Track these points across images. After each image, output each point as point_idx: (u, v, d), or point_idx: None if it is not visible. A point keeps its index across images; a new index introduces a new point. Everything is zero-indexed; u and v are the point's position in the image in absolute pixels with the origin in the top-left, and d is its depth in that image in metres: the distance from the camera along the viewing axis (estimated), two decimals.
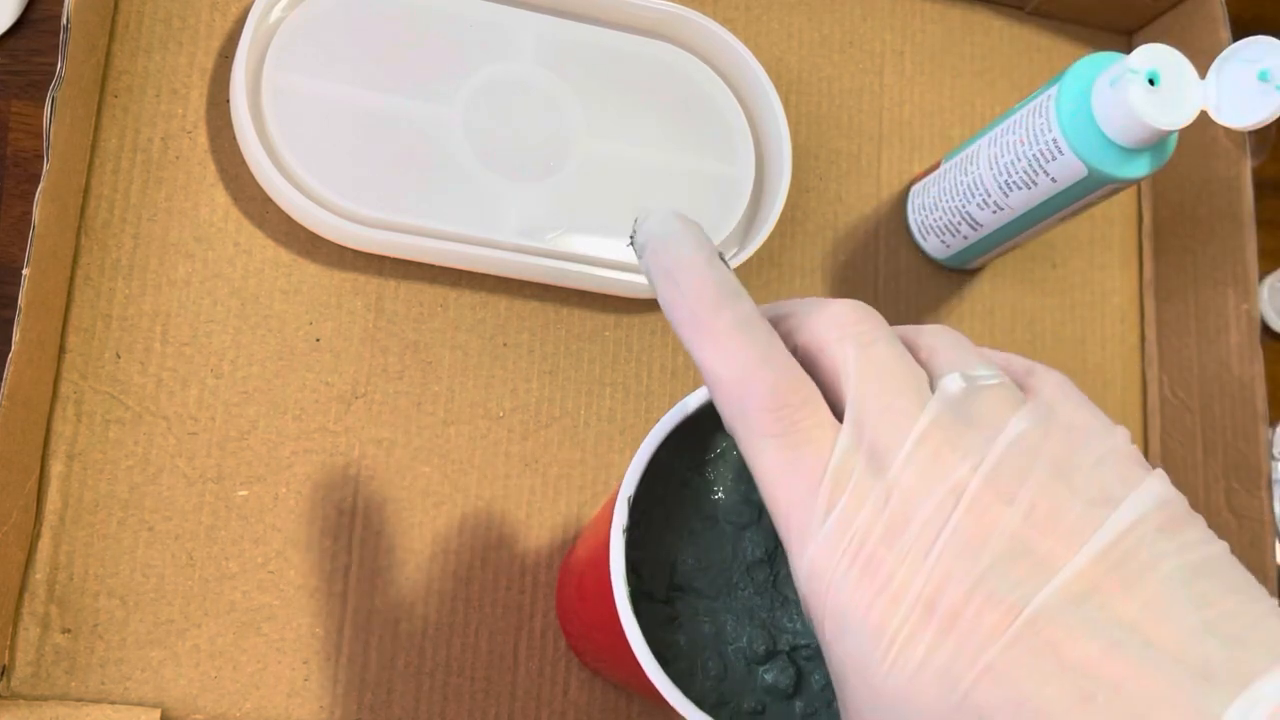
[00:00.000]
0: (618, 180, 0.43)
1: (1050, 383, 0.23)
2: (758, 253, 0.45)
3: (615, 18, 0.45)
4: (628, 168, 0.44)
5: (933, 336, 0.23)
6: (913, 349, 0.23)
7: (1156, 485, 0.21)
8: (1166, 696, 0.19)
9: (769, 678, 0.31)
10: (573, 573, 0.38)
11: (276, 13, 0.41)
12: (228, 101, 0.42)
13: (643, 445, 0.30)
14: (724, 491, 0.33)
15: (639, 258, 0.25)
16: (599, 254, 0.42)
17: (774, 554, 0.32)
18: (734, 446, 0.31)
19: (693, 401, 0.29)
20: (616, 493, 0.33)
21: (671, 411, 0.30)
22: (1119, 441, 0.22)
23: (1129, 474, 0.21)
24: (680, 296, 0.23)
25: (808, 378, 0.22)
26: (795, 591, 0.30)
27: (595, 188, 0.43)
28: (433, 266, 0.42)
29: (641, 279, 0.42)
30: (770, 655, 0.31)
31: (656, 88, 0.45)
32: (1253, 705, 0.18)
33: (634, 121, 0.44)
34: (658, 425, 0.30)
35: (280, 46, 0.40)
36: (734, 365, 0.22)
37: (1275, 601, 0.20)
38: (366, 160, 0.41)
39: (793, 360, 0.22)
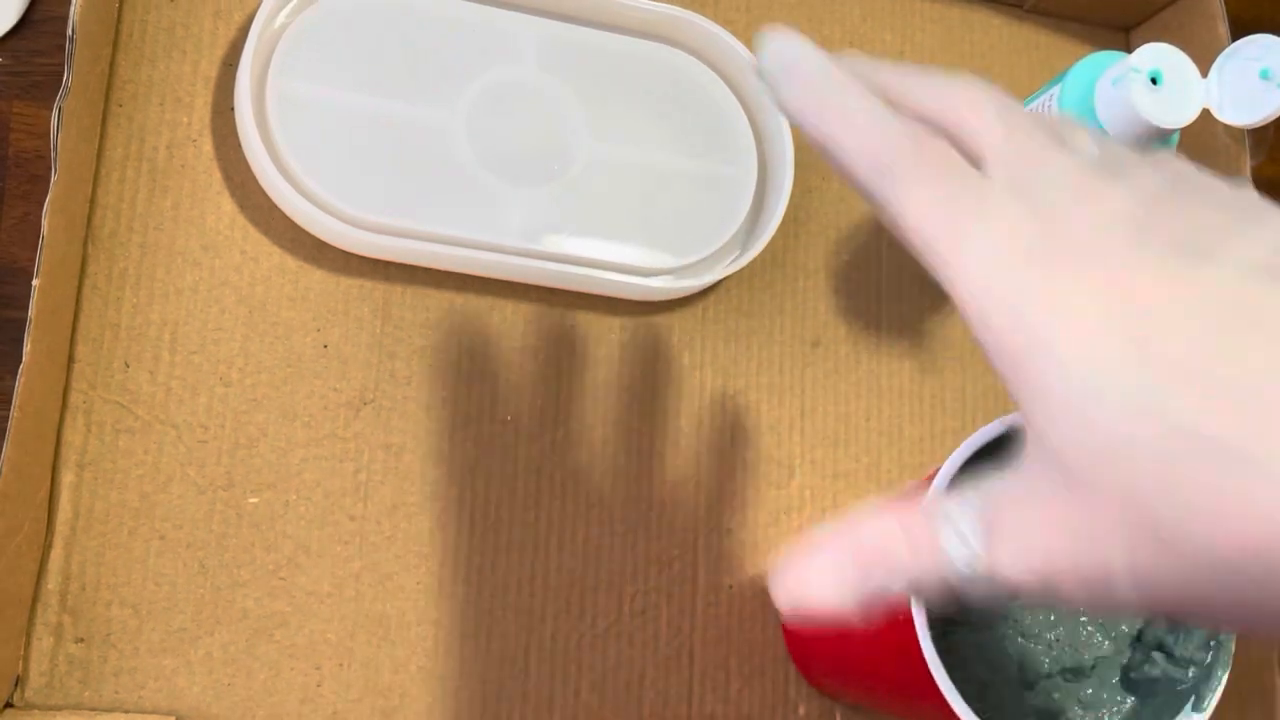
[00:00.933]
0: (621, 183, 0.44)
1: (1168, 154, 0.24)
2: (760, 254, 0.45)
3: (617, 20, 0.46)
4: (631, 170, 0.44)
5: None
6: None
7: (1275, 212, 0.22)
8: None
9: (1039, 702, 0.33)
10: None
11: (280, 19, 0.41)
12: (232, 109, 0.42)
13: (929, 494, 0.31)
14: None
15: (762, 79, 0.26)
16: (604, 257, 0.42)
17: None
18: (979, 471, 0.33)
19: (976, 439, 0.32)
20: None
21: (954, 456, 0.32)
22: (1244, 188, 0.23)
23: (1262, 202, 0.22)
24: (803, 89, 0.25)
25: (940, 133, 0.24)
26: (1056, 617, 0.33)
27: (599, 191, 0.43)
28: (439, 271, 0.43)
29: (649, 282, 0.42)
30: (1039, 680, 0.33)
31: (659, 90, 0.45)
32: None
33: (636, 124, 0.44)
34: (942, 470, 0.32)
35: (284, 53, 0.40)
36: (871, 130, 0.24)
37: None
38: (371, 166, 0.41)
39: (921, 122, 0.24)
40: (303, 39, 0.41)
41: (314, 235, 0.41)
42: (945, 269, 0.23)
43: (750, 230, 0.45)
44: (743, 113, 0.46)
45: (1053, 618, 0.34)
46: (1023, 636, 0.34)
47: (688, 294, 0.44)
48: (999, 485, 0.23)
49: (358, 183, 0.40)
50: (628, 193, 0.44)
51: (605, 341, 0.44)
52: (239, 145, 0.41)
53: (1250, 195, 0.22)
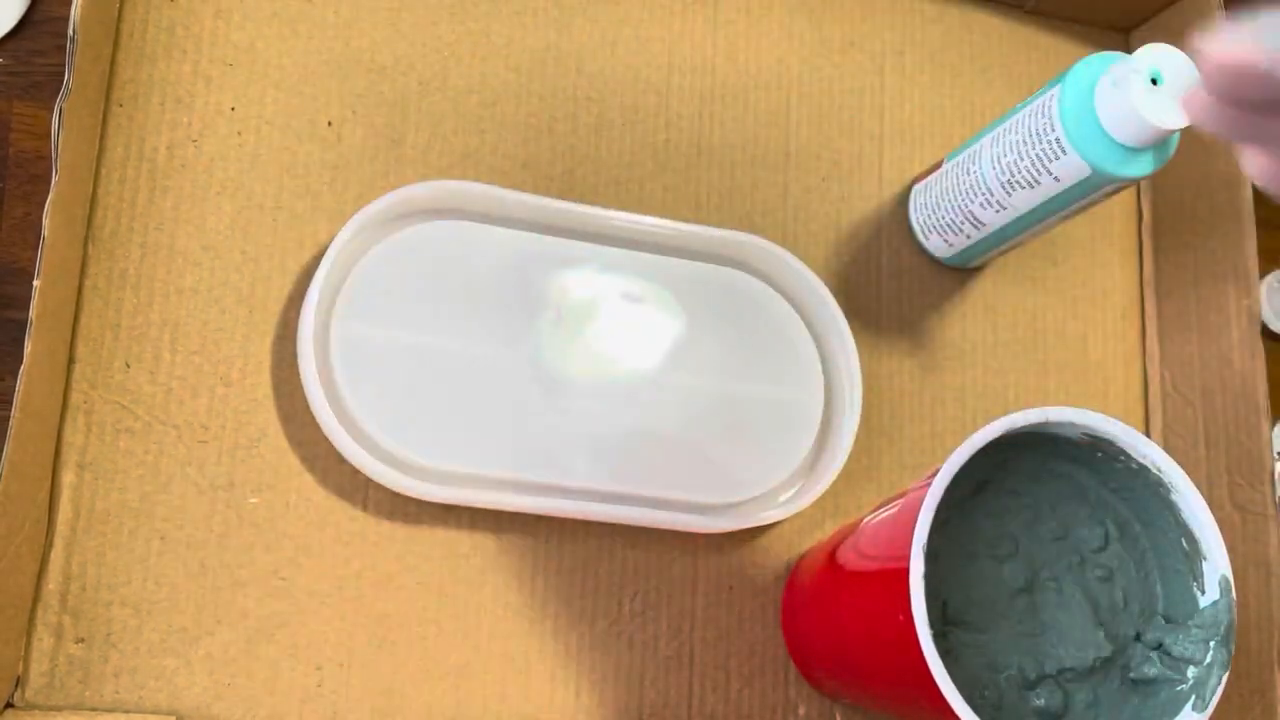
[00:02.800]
0: (688, 412, 0.42)
1: None
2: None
3: (680, 245, 0.44)
4: (698, 398, 0.43)
5: None
6: None
7: None
8: None
9: (1040, 701, 0.33)
10: (828, 601, 0.39)
11: (338, 265, 0.40)
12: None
13: (929, 495, 0.32)
14: (983, 527, 0.35)
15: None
16: (672, 495, 0.41)
17: (1033, 583, 0.34)
18: (989, 483, 0.35)
19: (977, 440, 0.32)
20: (858, 523, 0.35)
21: (954, 456, 0.32)
22: None
23: None
24: None
25: None
26: (1056, 617, 0.33)
27: (667, 421, 0.42)
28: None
29: (711, 521, 0.42)
30: (1039, 680, 0.33)
31: (725, 314, 0.44)
32: None
33: (703, 350, 0.43)
34: (943, 470, 0.32)
35: (347, 296, 0.40)
36: None
37: None
38: (434, 410, 0.40)
39: None
40: (363, 280, 0.40)
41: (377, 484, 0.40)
42: None
43: (815, 458, 0.44)
44: (809, 337, 0.45)
45: (1055, 617, 0.34)
46: (1023, 636, 0.34)
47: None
48: None
49: (420, 430, 0.39)
50: (694, 423, 0.42)
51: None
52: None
53: None
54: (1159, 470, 0.34)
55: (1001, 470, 0.36)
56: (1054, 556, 0.35)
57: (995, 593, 0.35)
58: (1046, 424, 0.33)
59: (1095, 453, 0.35)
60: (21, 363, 0.34)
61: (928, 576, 0.31)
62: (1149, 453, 0.34)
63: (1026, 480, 0.36)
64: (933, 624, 0.31)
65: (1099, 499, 0.36)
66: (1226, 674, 0.32)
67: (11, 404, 0.34)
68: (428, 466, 0.39)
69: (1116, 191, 0.41)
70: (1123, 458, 0.34)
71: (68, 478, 0.38)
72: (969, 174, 0.45)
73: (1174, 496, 0.34)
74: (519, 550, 0.41)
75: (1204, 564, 0.34)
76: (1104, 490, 0.36)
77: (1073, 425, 0.34)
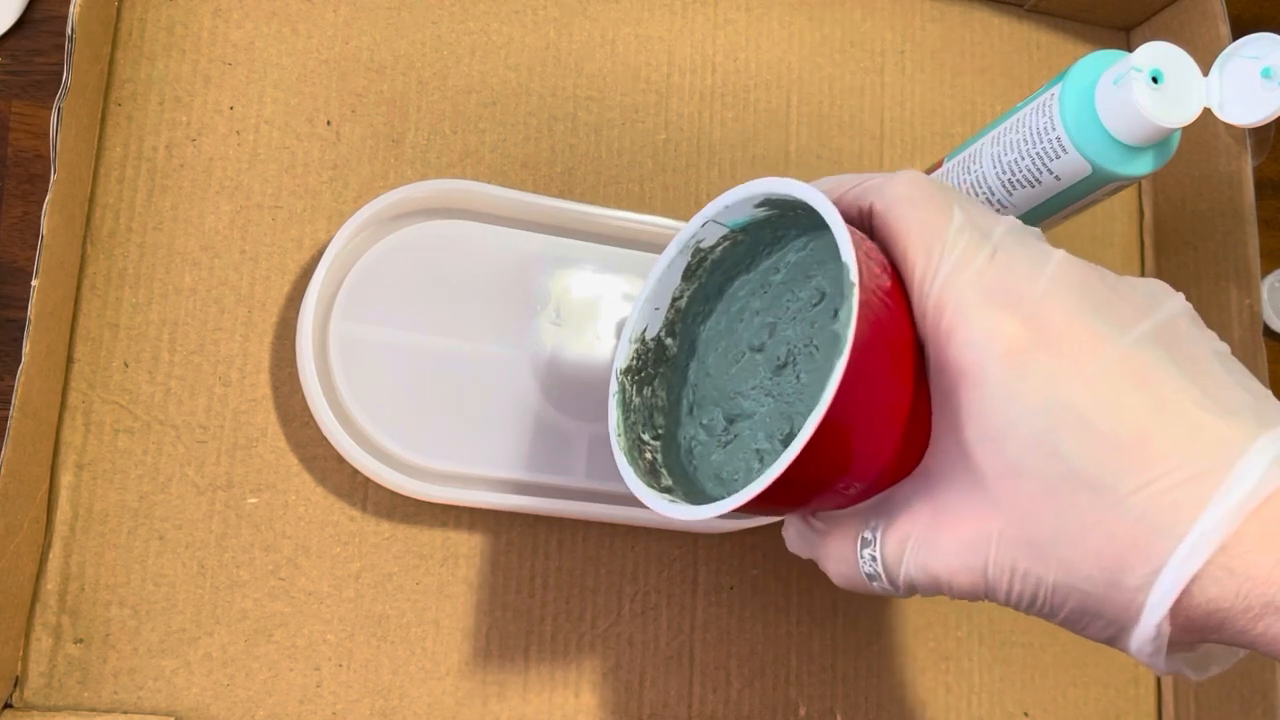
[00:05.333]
0: None
1: None
2: None
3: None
4: None
5: None
6: None
7: (1180, 298, 0.29)
8: (1216, 418, 0.25)
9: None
10: None
11: (336, 265, 0.40)
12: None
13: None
14: (744, 321, 0.35)
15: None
16: None
17: (787, 358, 0.33)
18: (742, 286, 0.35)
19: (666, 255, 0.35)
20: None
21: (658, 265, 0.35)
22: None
23: (1157, 286, 0.29)
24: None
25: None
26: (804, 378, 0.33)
27: None
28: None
29: (712, 521, 0.41)
30: (788, 439, 0.32)
31: None
32: (1276, 440, 0.24)
33: None
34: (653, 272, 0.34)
35: (346, 295, 0.39)
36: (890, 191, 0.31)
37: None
38: (433, 410, 0.39)
39: None
40: (363, 279, 0.40)
41: (376, 483, 0.40)
42: (917, 281, 0.29)
43: None
44: None
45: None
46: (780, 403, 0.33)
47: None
48: (904, 515, 0.29)
49: (419, 429, 0.39)
50: None
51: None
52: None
53: (1154, 283, 0.29)
54: (818, 211, 0.31)
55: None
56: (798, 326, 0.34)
57: (756, 377, 0.34)
58: (736, 204, 0.33)
59: (808, 218, 0.33)
60: (20, 362, 0.34)
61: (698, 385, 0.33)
62: (804, 196, 0.31)
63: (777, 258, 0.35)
64: (723, 431, 0.33)
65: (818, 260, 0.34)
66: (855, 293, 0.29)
67: (10, 404, 0.33)
68: (427, 466, 0.39)
69: (1117, 190, 0.41)
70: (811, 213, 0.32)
71: (66, 478, 0.38)
72: (970, 173, 0.44)
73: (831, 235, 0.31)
74: (519, 550, 0.41)
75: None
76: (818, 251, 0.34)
77: (766, 198, 0.32)
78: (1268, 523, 0.24)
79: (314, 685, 0.39)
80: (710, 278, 0.36)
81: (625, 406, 0.35)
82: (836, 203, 0.31)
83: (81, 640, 0.37)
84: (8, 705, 0.36)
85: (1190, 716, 0.46)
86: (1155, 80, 0.38)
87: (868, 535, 0.30)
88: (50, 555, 0.37)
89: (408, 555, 0.40)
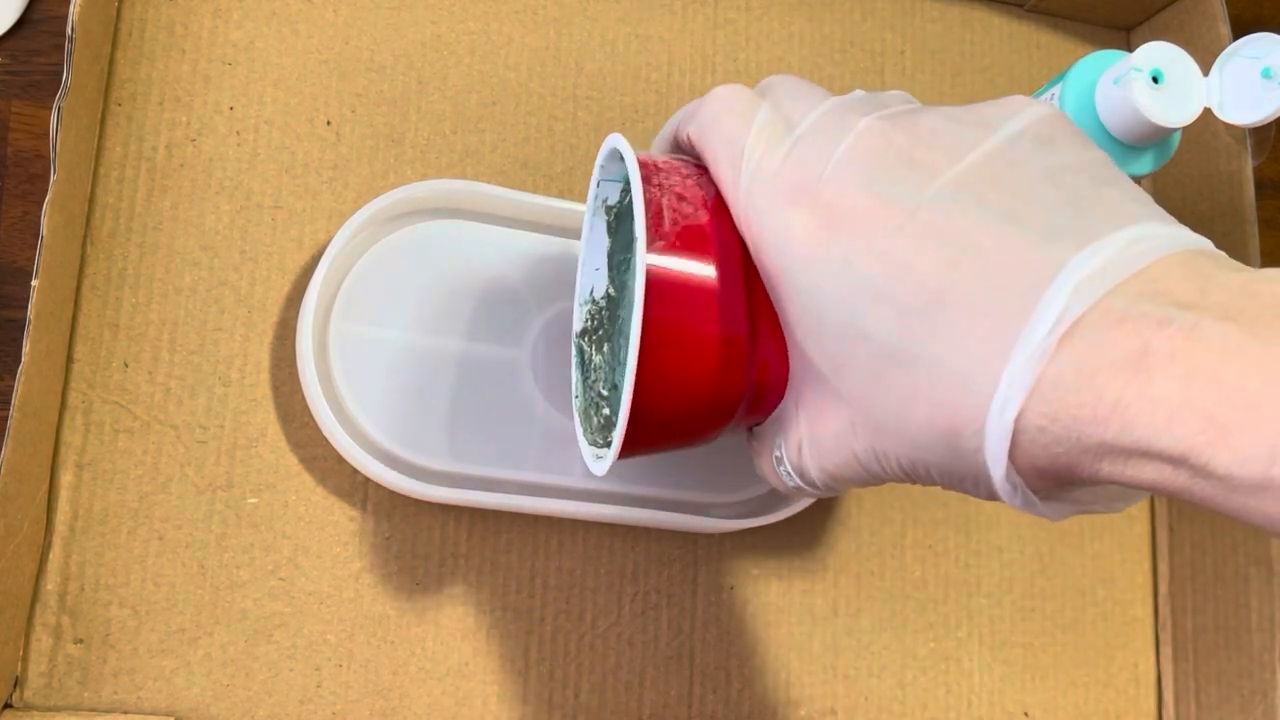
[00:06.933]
0: None
1: None
2: None
3: None
4: None
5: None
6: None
7: (1037, 108, 0.26)
8: (1022, 253, 0.23)
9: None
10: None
11: (336, 265, 0.40)
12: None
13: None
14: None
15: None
16: (672, 495, 0.41)
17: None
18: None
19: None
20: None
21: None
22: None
23: (1013, 105, 0.26)
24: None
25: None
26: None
27: None
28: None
29: (713, 521, 0.42)
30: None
31: None
32: (1093, 255, 0.22)
33: None
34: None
35: (346, 295, 0.39)
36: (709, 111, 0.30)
37: (1131, 186, 0.25)
38: (433, 410, 0.39)
39: None
40: (363, 280, 0.40)
41: (376, 483, 0.40)
42: (729, 186, 0.29)
43: None
44: None
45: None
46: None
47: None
48: (791, 424, 0.29)
49: (420, 429, 0.39)
50: None
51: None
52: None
53: (1011, 101, 0.27)
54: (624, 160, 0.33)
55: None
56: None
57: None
58: (605, 161, 0.33)
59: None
60: (20, 362, 0.34)
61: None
62: (616, 145, 0.32)
63: None
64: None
65: None
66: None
67: (10, 404, 0.33)
68: (427, 466, 0.39)
69: None
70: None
71: (66, 478, 0.38)
72: None
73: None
74: (519, 550, 0.41)
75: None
76: None
77: (614, 150, 0.33)
78: (1081, 355, 0.21)
79: (314, 685, 0.39)
80: (623, 226, 0.36)
81: (585, 367, 0.36)
82: (670, 140, 0.33)
83: (81, 640, 0.37)
84: (8, 705, 0.36)
85: (1190, 717, 0.46)
86: (1155, 80, 0.38)
87: (777, 453, 0.30)
88: (50, 555, 0.37)
89: (408, 555, 0.40)
